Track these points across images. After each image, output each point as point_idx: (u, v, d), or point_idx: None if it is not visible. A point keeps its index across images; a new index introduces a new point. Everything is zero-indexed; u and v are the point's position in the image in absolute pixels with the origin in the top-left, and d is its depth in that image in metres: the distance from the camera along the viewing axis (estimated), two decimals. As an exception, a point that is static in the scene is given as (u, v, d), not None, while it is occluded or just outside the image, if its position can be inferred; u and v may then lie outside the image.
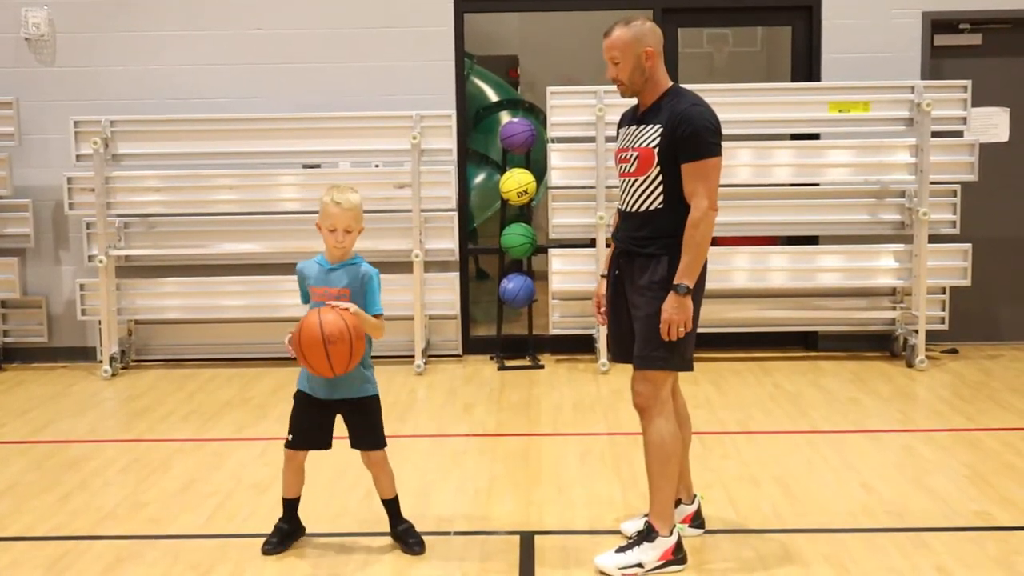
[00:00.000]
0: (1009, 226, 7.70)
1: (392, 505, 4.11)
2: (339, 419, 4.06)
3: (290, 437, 4.06)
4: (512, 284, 7.31)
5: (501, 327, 7.58)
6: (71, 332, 7.67)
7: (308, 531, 4.23)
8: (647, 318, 3.81)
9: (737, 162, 7.11)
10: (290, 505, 4.14)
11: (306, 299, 4.07)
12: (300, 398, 4.07)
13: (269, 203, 7.40)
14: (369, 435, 4.04)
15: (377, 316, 3.95)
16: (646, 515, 3.95)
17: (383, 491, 4.10)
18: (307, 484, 4.73)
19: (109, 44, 7.49)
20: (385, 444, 4.07)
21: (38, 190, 7.51)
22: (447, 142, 7.28)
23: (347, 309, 3.83)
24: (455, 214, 7.40)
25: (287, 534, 4.11)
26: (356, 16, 7.47)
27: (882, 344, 7.52)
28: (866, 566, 3.87)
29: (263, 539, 4.12)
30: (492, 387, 6.77)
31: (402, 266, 7.27)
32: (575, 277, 7.28)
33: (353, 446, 4.06)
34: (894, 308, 7.40)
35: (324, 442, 4.06)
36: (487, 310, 8.16)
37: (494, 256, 7.75)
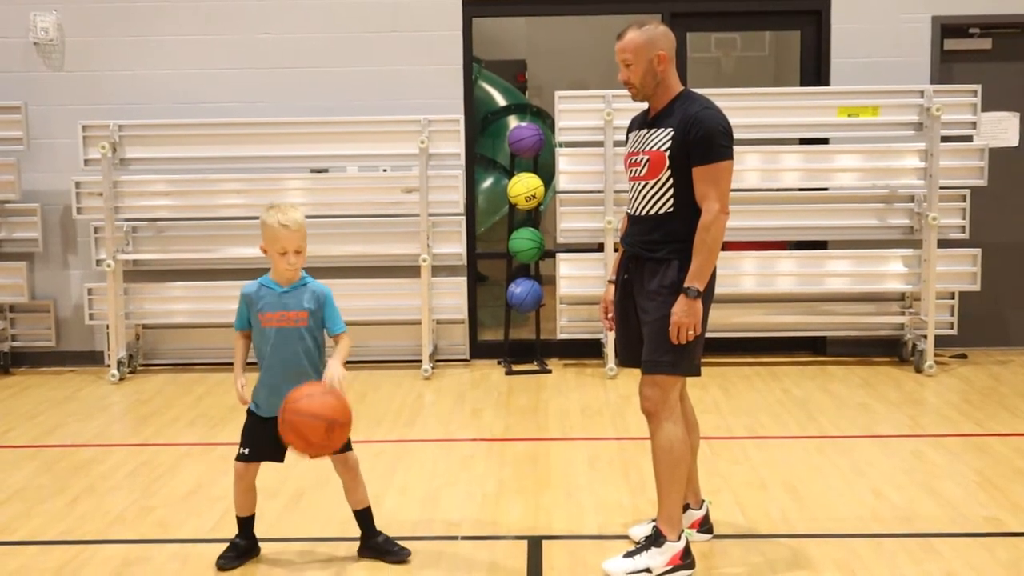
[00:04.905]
0: (1019, 231, 7.67)
1: (365, 516, 4.03)
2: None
3: (245, 451, 3.95)
4: (520, 289, 7.30)
5: (509, 331, 7.57)
6: (79, 336, 7.69)
7: (315, 535, 4.24)
8: (656, 322, 3.80)
9: (745, 166, 7.09)
10: (246, 523, 4.03)
11: (245, 325, 3.99)
12: (254, 416, 3.98)
13: (277, 207, 7.39)
14: None
15: (340, 335, 3.90)
16: (654, 520, 3.94)
17: (357, 501, 4.00)
18: (315, 489, 4.72)
19: (117, 49, 7.51)
20: (352, 448, 3.97)
21: (46, 194, 7.53)
22: (455, 146, 7.28)
23: (340, 382, 3.71)
24: (463, 218, 7.40)
25: (244, 550, 4.01)
26: (364, 20, 7.47)
27: (891, 349, 7.50)
28: (875, 571, 3.85)
29: (269, 543, 4.12)
30: (500, 391, 6.76)
31: (410, 270, 7.28)
32: (583, 282, 7.27)
33: None
34: (903, 313, 7.37)
35: (279, 455, 3.94)
36: (495, 314, 8.15)
37: (502, 260, 7.74)
